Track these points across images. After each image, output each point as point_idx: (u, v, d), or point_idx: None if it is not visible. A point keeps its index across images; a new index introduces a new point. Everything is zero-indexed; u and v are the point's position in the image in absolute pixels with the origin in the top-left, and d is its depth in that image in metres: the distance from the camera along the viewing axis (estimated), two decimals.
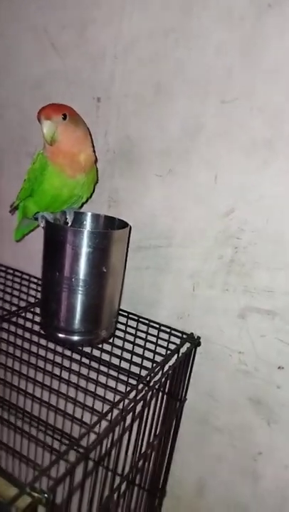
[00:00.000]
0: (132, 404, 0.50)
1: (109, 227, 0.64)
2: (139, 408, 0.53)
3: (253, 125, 0.57)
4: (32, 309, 0.70)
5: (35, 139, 0.76)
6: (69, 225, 0.64)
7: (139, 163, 0.68)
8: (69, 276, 0.56)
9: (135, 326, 0.70)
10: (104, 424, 0.47)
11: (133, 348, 0.66)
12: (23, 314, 0.68)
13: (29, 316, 0.69)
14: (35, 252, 0.80)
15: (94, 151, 0.61)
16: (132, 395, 0.52)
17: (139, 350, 0.66)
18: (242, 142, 0.58)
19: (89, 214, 0.66)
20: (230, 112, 0.59)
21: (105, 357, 0.66)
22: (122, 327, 0.70)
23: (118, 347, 0.66)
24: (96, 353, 0.68)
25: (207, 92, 0.60)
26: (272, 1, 0.53)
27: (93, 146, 0.61)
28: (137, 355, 0.64)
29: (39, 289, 0.78)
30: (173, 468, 0.73)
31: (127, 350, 0.65)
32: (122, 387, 0.63)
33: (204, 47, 0.59)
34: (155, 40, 0.63)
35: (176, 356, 0.63)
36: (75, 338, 0.59)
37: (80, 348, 0.70)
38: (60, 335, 0.59)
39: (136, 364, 0.62)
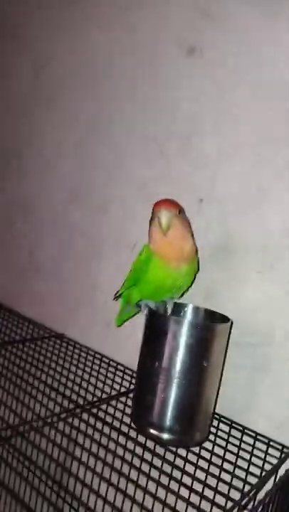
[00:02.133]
0: None
1: (209, 321, 0.64)
2: None
3: None
4: (120, 398, 0.68)
5: (135, 233, 0.82)
6: (168, 314, 0.64)
7: (239, 259, 0.68)
8: (167, 368, 0.54)
9: (228, 431, 0.64)
10: None
11: (223, 462, 0.59)
12: (113, 403, 0.67)
13: (119, 405, 0.67)
14: (123, 339, 0.80)
15: (194, 243, 0.64)
16: None
17: (231, 459, 0.59)
18: None
19: (189, 306, 0.67)
20: None
21: (189, 468, 0.60)
22: (213, 430, 0.65)
23: (206, 459, 0.60)
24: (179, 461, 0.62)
25: None
26: None
27: (193, 238, 0.64)
28: (227, 472, 0.57)
29: (126, 377, 0.77)
30: None
31: (215, 465, 0.58)
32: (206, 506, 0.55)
33: None
34: (260, 148, 0.67)
35: (273, 478, 0.55)
36: (166, 436, 0.55)
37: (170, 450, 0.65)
38: (153, 431, 0.56)
39: (225, 482, 0.54)
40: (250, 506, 0.48)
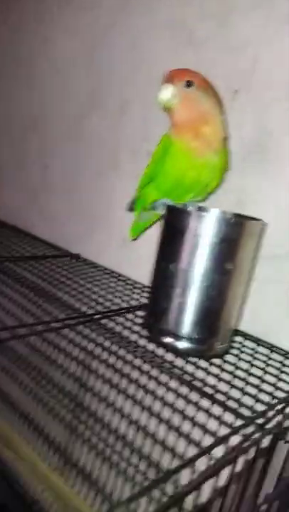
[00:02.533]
0: (245, 445, 0.38)
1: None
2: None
3: None
4: (134, 312, 0.62)
5: (155, 138, 0.72)
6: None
7: (279, 159, 0.58)
8: (186, 269, 0.47)
9: (254, 347, 0.58)
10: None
11: (249, 375, 0.54)
12: (126, 315, 0.61)
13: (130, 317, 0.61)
14: (142, 258, 0.74)
15: (223, 130, 0.53)
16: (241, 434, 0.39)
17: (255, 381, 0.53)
18: None
19: (215, 210, 0.57)
20: None
21: (211, 380, 0.55)
22: (238, 346, 0.58)
23: (229, 372, 0.54)
24: (200, 373, 0.57)
25: None
26: None
27: (223, 125, 0.54)
28: (253, 385, 0.52)
29: (144, 294, 0.71)
30: None
31: (240, 378, 0.53)
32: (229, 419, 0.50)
33: None
34: None
35: None
36: (184, 345, 0.49)
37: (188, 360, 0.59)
38: (168, 339, 0.49)
39: (251, 395, 0.49)
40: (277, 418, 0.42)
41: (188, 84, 0.49)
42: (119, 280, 0.78)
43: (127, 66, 0.79)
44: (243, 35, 0.61)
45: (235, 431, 0.40)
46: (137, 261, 0.78)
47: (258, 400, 0.46)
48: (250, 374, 0.51)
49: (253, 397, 0.46)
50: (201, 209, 0.57)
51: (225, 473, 0.36)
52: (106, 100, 0.84)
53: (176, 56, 0.70)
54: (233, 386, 0.49)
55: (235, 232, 0.46)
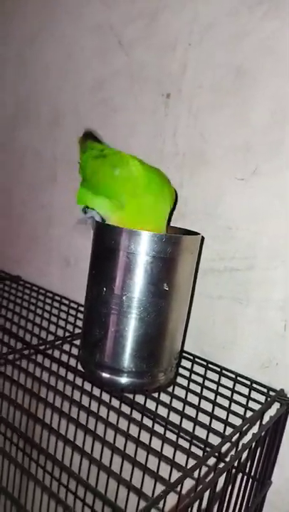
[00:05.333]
0: (194, 493, 0.33)
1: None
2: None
3: None
4: (74, 341, 0.56)
5: None
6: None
7: (215, 166, 0.54)
8: (120, 294, 0.42)
9: (203, 373, 0.53)
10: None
11: (199, 403, 0.49)
12: (62, 346, 0.55)
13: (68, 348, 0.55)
14: (84, 277, 0.69)
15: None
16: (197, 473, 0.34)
17: (207, 407, 0.48)
18: None
19: None
20: None
21: (162, 411, 0.50)
22: (186, 373, 0.54)
23: (179, 399, 0.50)
24: (150, 405, 0.52)
25: None
26: None
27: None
28: (206, 412, 0.47)
29: None
30: None
31: (191, 405, 0.48)
32: (181, 458, 0.45)
33: None
34: (238, 18, 0.52)
35: (258, 423, 0.45)
36: (123, 380, 0.43)
37: (129, 396, 0.54)
38: (104, 374, 0.44)
39: (203, 426, 0.45)
40: (232, 452, 0.38)
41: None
42: (62, 304, 0.71)
43: (57, 74, 0.74)
44: (172, 34, 0.58)
45: (187, 474, 0.35)
46: (81, 281, 0.72)
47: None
48: (200, 407, 0.47)
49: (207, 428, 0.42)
50: None
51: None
52: (38, 110, 0.78)
53: (107, 60, 0.66)
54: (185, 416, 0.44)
55: (171, 248, 0.42)
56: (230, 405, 0.48)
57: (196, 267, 0.50)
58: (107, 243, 0.42)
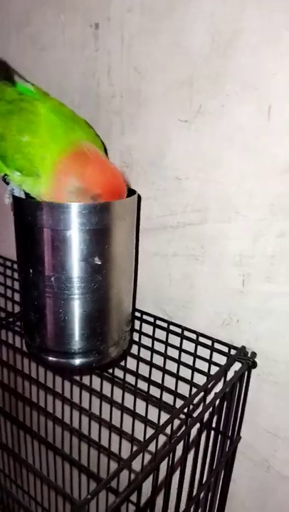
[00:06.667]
0: (169, 444, 0.33)
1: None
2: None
3: None
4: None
5: None
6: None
7: (154, 106, 0.47)
8: (48, 275, 0.37)
9: (164, 337, 0.51)
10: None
11: (164, 365, 0.48)
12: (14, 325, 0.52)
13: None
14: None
15: None
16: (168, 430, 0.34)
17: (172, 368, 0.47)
18: None
19: None
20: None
21: (130, 378, 0.48)
22: (148, 341, 0.51)
23: (145, 361, 0.48)
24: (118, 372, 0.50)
25: None
26: None
27: None
28: (171, 373, 0.46)
29: None
30: None
31: (158, 367, 0.47)
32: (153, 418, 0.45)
33: None
34: None
35: (222, 381, 0.43)
36: (71, 361, 0.41)
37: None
38: (50, 358, 0.41)
39: (169, 391, 0.43)
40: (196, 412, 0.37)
41: None
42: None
43: None
44: None
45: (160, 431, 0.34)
46: None
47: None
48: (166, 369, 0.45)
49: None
50: None
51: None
52: None
53: None
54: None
55: (100, 217, 0.36)
56: (194, 363, 0.47)
57: (139, 224, 0.45)
58: (24, 220, 0.37)
